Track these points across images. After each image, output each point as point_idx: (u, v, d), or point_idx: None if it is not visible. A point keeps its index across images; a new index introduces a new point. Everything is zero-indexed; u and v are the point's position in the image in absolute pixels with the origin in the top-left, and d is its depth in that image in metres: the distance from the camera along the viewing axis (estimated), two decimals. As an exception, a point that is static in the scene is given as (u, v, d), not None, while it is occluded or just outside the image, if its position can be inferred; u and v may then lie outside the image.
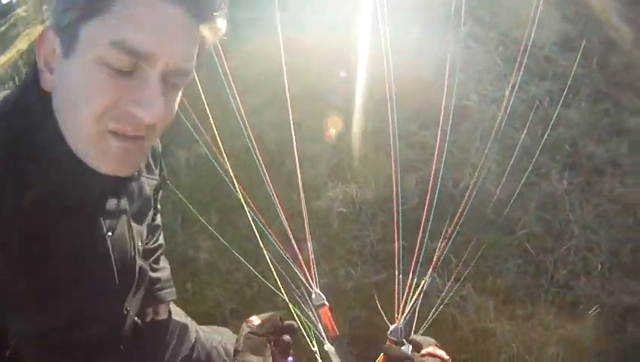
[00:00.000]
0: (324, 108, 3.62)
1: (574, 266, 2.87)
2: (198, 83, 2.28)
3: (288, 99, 2.01)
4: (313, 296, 1.28)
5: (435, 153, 2.55)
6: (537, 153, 3.13)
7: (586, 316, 2.64)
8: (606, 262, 2.94)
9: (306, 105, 3.63)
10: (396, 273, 1.54)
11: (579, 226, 3.03)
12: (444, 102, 2.19)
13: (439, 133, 2.52)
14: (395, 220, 1.75)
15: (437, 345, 1.14)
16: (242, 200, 1.65)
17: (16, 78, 5.27)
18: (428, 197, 1.91)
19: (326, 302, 1.28)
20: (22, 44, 6.96)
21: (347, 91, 3.61)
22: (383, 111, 2.66)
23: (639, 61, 4.56)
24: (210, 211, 3.23)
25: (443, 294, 2.06)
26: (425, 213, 1.75)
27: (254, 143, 1.79)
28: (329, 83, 3.82)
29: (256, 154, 1.74)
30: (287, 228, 1.48)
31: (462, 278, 2.30)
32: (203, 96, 2.14)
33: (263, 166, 1.61)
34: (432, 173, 2.50)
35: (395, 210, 1.75)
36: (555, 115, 3.34)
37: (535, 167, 3.21)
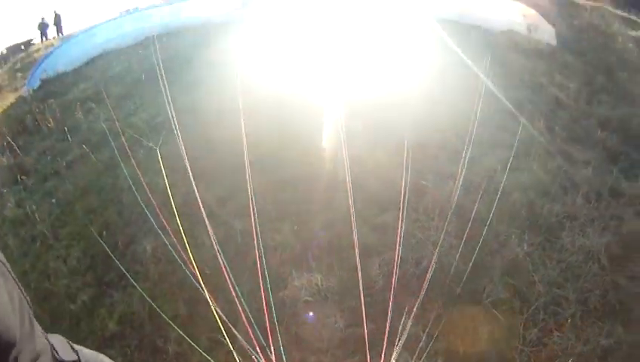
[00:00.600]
0: (289, 196, 3.94)
1: (545, 323, 3.09)
2: (165, 175, 2.53)
3: (250, 190, 2.32)
4: None
5: (397, 235, 2.88)
6: (492, 220, 3.43)
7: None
8: (577, 312, 3.15)
9: (270, 193, 3.91)
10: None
11: (544, 284, 3.28)
12: (403, 183, 2.53)
13: (401, 214, 2.86)
14: (363, 307, 2.02)
15: None
16: (211, 303, 1.89)
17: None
18: (393, 280, 2.21)
19: None
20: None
21: (310, 178, 3.93)
22: (343, 198, 3.02)
23: (584, 113, 4.99)
24: (177, 301, 3.37)
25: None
26: (390, 296, 2.05)
27: (214, 235, 2.10)
28: (293, 170, 4.16)
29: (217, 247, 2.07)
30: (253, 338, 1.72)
31: (425, 354, 2.52)
32: (168, 186, 2.39)
33: (224, 262, 1.90)
34: (396, 255, 2.80)
35: (361, 296, 2.01)
36: (504, 181, 3.66)
37: (494, 235, 3.53)
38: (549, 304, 3.18)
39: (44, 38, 18.88)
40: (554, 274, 3.36)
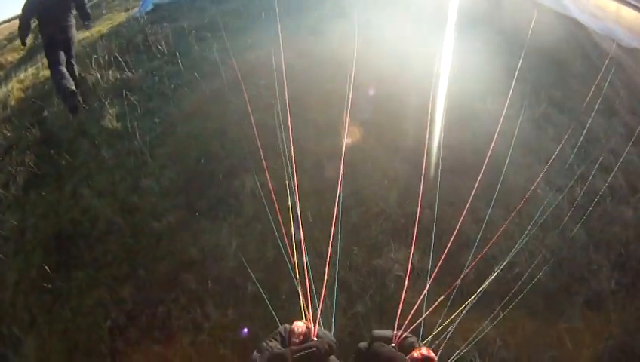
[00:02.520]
0: (400, 161, 3.75)
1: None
2: (276, 114, 2.48)
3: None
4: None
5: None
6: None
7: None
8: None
9: (383, 157, 3.74)
10: None
11: (620, 327, 3.18)
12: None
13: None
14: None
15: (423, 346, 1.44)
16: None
17: (93, 58, 5.60)
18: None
19: None
20: (102, 27, 7.32)
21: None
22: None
23: None
24: (266, 244, 3.30)
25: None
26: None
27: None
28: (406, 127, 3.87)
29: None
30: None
31: None
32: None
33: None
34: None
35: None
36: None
37: (587, 262, 3.39)
38: (617, 349, 3.12)
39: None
40: (631, 320, 3.26)
